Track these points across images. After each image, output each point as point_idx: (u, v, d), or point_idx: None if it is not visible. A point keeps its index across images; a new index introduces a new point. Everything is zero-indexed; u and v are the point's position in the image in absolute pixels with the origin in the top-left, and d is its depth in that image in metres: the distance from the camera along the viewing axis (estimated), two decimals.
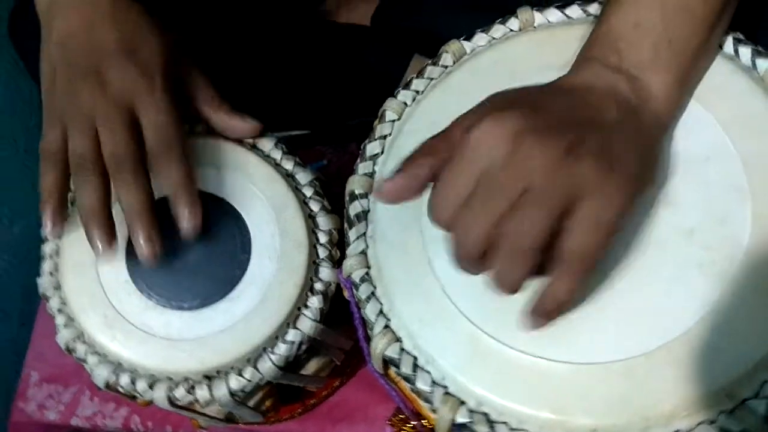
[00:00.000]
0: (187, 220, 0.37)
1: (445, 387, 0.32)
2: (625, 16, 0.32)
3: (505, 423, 0.31)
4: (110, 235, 0.38)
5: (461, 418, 0.31)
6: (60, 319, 0.40)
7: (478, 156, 0.29)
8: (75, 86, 0.39)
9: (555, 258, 0.28)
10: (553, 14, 0.39)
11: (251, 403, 0.45)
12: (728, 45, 0.35)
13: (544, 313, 0.29)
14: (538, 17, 0.39)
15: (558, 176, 0.28)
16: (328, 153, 0.68)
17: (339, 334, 0.44)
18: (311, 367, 0.48)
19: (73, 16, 0.40)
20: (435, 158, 0.30)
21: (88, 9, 0.40)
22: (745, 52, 0.35)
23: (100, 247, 0.37)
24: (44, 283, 0.41)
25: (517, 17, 0.39)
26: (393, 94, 0.40)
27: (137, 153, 0.38)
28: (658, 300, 0.31)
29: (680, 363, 0.29)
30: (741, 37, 0.35)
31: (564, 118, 0.29)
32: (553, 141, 0.28)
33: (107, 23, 0.40)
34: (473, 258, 0.29)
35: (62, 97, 0.39)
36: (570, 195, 0.28)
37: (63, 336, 0.39)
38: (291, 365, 0.40)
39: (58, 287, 0.40)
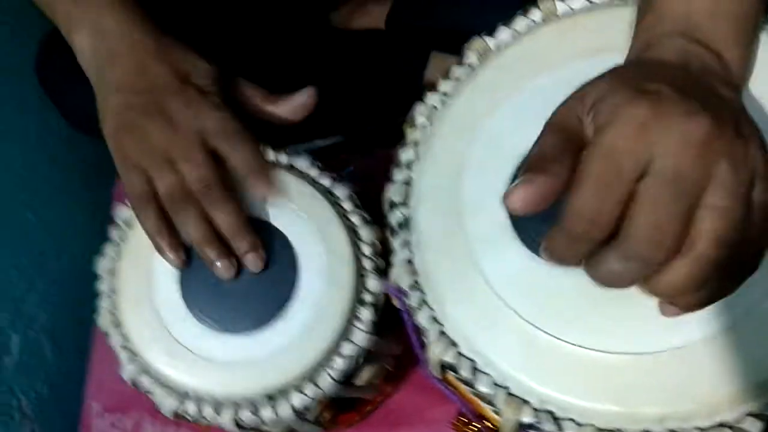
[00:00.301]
0: (268, 196, 0.41)
1: (507, 388, 0.32)
2: None
3: (571, 419, 0.31)
4: (230, 256, 0.40)
5: (527, 418, 0.31)
6: (124, 355, 0.41)
7: (631, 165, 0.23)
8: (143, 127, 0.40)
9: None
10: (576, 1, 0.38)
11: (311, 417, 0.45)
12: None
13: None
14: (561, 6, 0.38)
15: (742, 167, 0.24)
16: (352, 159, 0.68)
17: (389, 341, 0.44)
18: (365, 375, 0.48)
19: (124, 63, 0.42)
20: (565, 162, 0.25)
21: (136, 53, 0.42)
22: None
23: (222, 269, 0.40)
24: (104, 322, 0.42)
25: (539, 8, 0.39)
26: (414, 95, 0.40)
27: (219, 173, 0.40)
28: None
29: (744, 345, 0.29)
30: None
31: (705, 94, 0.26)
32: (721, 137, 0.24)
33: (156, 62, 0.42)
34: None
35: (133, 142, 0.41)
36: (751, 179, 0.24)
37: (128, 371, 0.40)
38: (347, 378, 0.40)
39: (118, 324, 0.41)
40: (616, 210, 0.23)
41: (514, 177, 0.34)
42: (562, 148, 0.25)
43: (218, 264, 0.39)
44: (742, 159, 0.24)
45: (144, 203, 0.40)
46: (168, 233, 0.40)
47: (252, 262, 0.40)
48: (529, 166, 0.25)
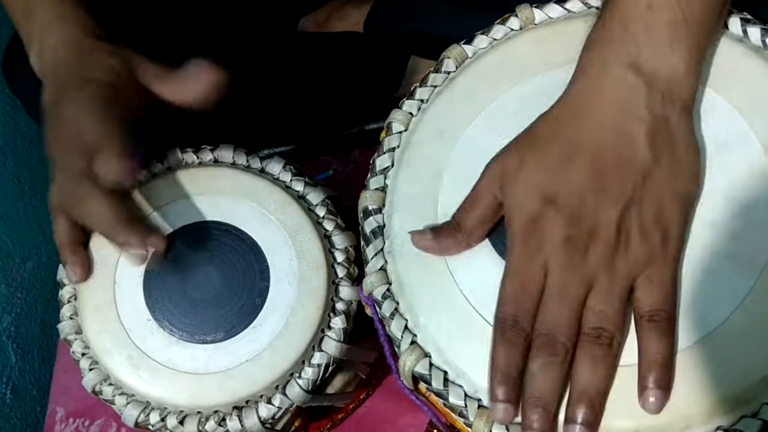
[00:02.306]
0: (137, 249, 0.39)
1: (479, 400, 0.31)
2: None
3: None
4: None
5: (497, 431, 0.31)
6: (84, 363, 0.40)
7: (529, 291, 0.30)
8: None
9: (642, 328, 0.29)
10: (554, 10, 0.38)
11: (280, 426, 0.44)
12: (735, 26, 0.34)
13: (666, 384, 0.29)
14: (539, 14, 0.38)
15: (615, 281, 0.30)
16: (332, 163, 0.68)
17: (363, 349, 0.44)
18: (337, 383, 0.47)
19: (50, 81, 0.42)
20: (475, 234, 0.33)
21: (61, 66, 0.42)
22: (754, 31, 0.34)
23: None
24: (65, 328, 0.41)
25: (516, 16, 0.38)
26: (393, 99, 0.40)
27: (117, 211, 0.39)
28: (692, 294, 0.30)
29: (718, 357, 0.29)
30: (748, 16, 0.35)
31: (598, 183, 0.30)
32: (598, 249, 0.30)
33: (71, 74, 0.41)
34: (552, 402, 0.29)
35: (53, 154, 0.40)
36: (628, 286, 0.30)
37: (89, 380, 0.39)
38: (318, 386, 0.40)
39: (79, 331, 0.40)
40: (529, 312, 0.30)
41: None
42: (478, 221, 0.33)
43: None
44: (620, 267, 0.30)
45: (52, 212, 0.41)
46: (72, 249, 0.40)
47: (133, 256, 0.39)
48: (444, 227, 0.34)
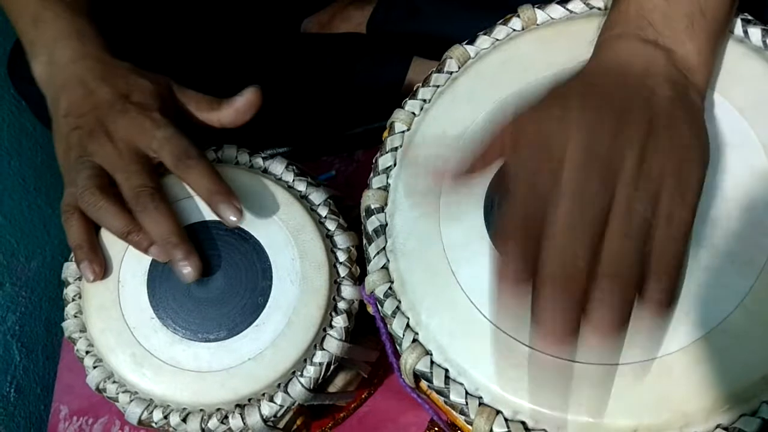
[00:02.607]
0: (232, 218, 0.38)
1: (480, 398, 0.32)
2: None
3: (543, 430, 0.30)
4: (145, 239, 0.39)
5: (498, 428, 0.31)
6: (88, 361, 0.40)
7: (550, 154, 0.27)
8: (85, 145, 0.40)
9: (649, 261, 0.27)
10: (556, 10, 0.38)
11: (282, 424, 0.45)
12: (737, 27, 0.35)
13: (671, 298, 0.27)
14: (541, 14, 0.38)
15: (644, 171, 0.27)
16: (335, 163, 0.68)
17: (364, 348, 0.44)
18: (339, 382, 0.47)
19: (72, 91, 0.42)
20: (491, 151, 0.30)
21: (83, 79, 0.42)
22: (755, 32, 0.34)
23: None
24: (70, 326, 0.41)
25: (519, 16, 0.39)
26: (396, 99, 0.40)
27: (153, 183, 0.39)
28: (691, 293, 0.30)
29: (718, 356, 0.29)
30: (749, 17, 0.35)
31: (626, 99, 0.29)
32: (628, 131, 0.27)
33: (101, 84, 0.42)
34: (578, 274, 0.26)
35: (74, 158, 0.41)
36: (656, 186, 0.27)
37: (93, 377, 0.39)
38: (320, 385, 0.40)
39: (83, 329, 0.41)
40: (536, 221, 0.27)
41: (491, 184, 0.34)
42: (492, 148, 0.30)
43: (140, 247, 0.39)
44: (650, 159, 0.27)
45: (66, 214, 0.40)
46: (87, 248, 0.40)
47: (184, 272, 0.38)
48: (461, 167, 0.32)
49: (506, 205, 0.27)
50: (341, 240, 0.41)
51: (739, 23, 0.34)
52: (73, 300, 0.42)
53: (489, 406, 0.31)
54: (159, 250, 0.38)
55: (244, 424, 0.38)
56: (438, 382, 0.32)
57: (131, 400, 0.39)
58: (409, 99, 0.39)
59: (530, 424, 0.31)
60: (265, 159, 0.44)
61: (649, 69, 0.30)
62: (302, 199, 0.42)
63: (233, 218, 0.38)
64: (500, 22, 0.39)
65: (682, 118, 0.29)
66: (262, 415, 0.38)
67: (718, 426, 0.28)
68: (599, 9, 0.37)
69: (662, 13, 0.31)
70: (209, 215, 0.41)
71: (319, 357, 0.39)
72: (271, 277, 0.39)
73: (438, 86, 0.39)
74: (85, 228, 0.40)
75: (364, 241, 0.37)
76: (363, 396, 0.54)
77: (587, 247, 0.25)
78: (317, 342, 0.39)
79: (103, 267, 0.40)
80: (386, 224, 0.37)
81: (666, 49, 0.31)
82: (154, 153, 0.40)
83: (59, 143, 0.42)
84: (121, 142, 0.40)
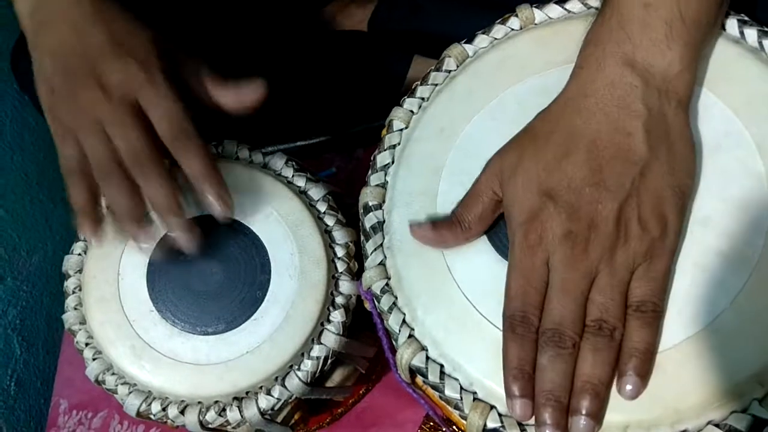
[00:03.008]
0: (218, 206, 0.37)
1: (474, 393, 0.32)
2: None
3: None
4: (147, 232, 0.38)
5: (492, 423, 0.31)
6: (88, 353, 0.40)
7: (534, 284, 0.31)
8: (76, 94, 0.38)
9: (629, 316, 0.30)
10: (554, 10, 0.38)
11: (280, 418, 0.45)
12: (732, 27, 0.35)
13: (644, 373, 0.29)
14: (539, 14, 0.39)
15: (615, 275, 0.30)
16: (335, 160, 0.68)
17: (362, 343, 0.44)
18: (336, 377, 0.48)
19: (59, 26, 0.39)
20: (474, 230, 0.34)
21: (73, 15, 0.39)
22: (751, 33, 0.34)
23: (140, 242, 0.38)
24: (70, 318, 0.42)
25: (517, 16, 0.39)
26: (396, 97, 0.40)
27: (152, 145, 0.37)
28: (683, 291, 0.31)
29: (709, 353, 0.29)
30: (745, 18, 0.35)
31: (595, 178, 0.31)
32: (598, 242, 0.30)
33: (95, 25, 0.39)
34: (563, 396, 0.30)
35: (65, 107, 0.38)
36: (628, 278, 0.30)
37: (92, 369, 0.40)
38: (317, 379, 0.40)
39: (83, 322, 0.41)
40: (536, 307, 0.31)
41: None
42: (477, 217, 0.33)
43: (139, 239, 0.37)
44: (619, 260, 0.30)
45: (71, 174, 0.38)
46: (91, 211, 0.38)
47: (184, 242, 0.37)
48: (444, 221, 0.34)
49: (505, 347, 0.31)
50: (340, 235, 0.41)
51: (735, 24, 0.35)
52: (74, 292, 0.42)
53: (483, 401, 0.32)
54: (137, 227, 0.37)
55: (242, 416, 0.38)
56: (433, 377, 0.33)
57: (130, 392, 0.39)
58: (408, 97, 0.39)
59: None
60: (265, 155, 0.44)
61: (625, 101, 0.31)
62: (301, 194, 0.42)
63: (220, 210, 0.37)
64: (498, 21, 0.39)
65: (655, 173, 0.31)
66: (259, 408, 0.38)
67: (709, 422, 0.29)
68: (597, 9, 0.38)
69: (640, 22, 0.31)
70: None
71: (317, 351, 0.39)
72: (270, 271, 0.40)
73: (436, 84, 0.39)
74: (90, 188, 0.38)
75: (362, 237, 0.37)
76: (360, 392, 0.54)
77: (565, 379, 0.30)
78: (315, 336, 0.39)
79: (101, 232, 0.38)
80: (384, 221, 0.37)
81: (644, 71, 0.31)
82: (150, 116, 0.38)
83: (42, 84, 0.39)
84: (119, 97, 0.38)
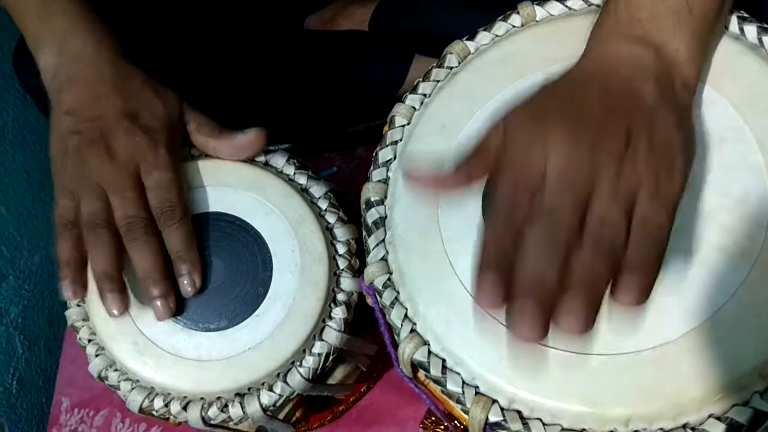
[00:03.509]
0: (186, 286, 0.39)
1: (476, 387, 0.32)
2: None
3: (538, 419, 0.31)
4: (123, 298, 0.39)
5: (494, 417, 0.31)
6: (91, 349, 0.40)
7: (529, 176, 0.27)
8: (83, 155, 0.40)
9: (632, 233, 0.27)
10: (555, 7, 0.39)
11: (282, 415, 0.45)
12: (733, 24, 0.35)
13: (646, 283, 0.26)
14: (540, 11, 0.39)
15: (620, 184, 0.27)
16: (336, 159, 0.69)
17: (364, 340, 0.44)
18: (338, 375, 0.48)
19: (80, 87, 0.42)
20: (479, 165, 0.30)
21: (93, 81, 0.42)
22: (751, 29, 0.34)
23: (114, 311, 0.39)
24: (72, 314, 0.42)
25: (518, 13, 0.39)
26: (397, 97, 0.40)
27: (146, 214, 0.40)
28: (684, 285, 0.31)
29: (710, 346, 0.29)
30: (745, 15, 0.35)
31: (607, 111, 0.29)
32: (605, 145, 0.28)
33: (113, 92, 0.41)
34: (547, 289, 0.25)
35: (72, 166, 0.40)
36: (632, 195, 0.27)
37: (95, 365, 0.40)
38: (319, 376, 0.40)
39: (86, 318, 0.41)
40: (527, 198, 0.27)
41: (489, 176, 0.34)
42: (481, 160, 0.30)
43: (108, 299, 0.38)
44: (626, 172, 0.28)
45: (64, 226, 0.40)
46: (75, 267, 0.39)
47: (159, 308, 0.39)
48: (447, 174, 0.31)
49: (485, 232, 0.27)
50: (341, 232, 0.41)
51: (735, 20, 0.35)
52: None
53: (485, 395, 0.32)
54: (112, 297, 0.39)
55: (244, 412, 0.38)
56: (435, 371, 0.33)
57: (132, 388, 0.39)
58: (410, 93, 0.40)
59: (525, 413, 0.31)
60: (266, 152, 0.44)
61: (635, 68, 0.31)
62: (303, 191, 0.42)
63: (188, 289, 0.39)
64: (500, 18, 0.40)
65: (663, 120, 0.30)
66: (261, 404, 0.38)
67: (710, 416, 0.29)
68: (598, 6, 0.38)
69: (649, 11, 0.32)
70: (212, 207, 0.42)
71: (318, 348, 0.39)
72: (272, 268, 0.40)
73: (438, 81, 0.39)
74: (79, 245, 0.40)
75: (364, 233, 0.38)
76: (362, 389, 0.54)
77: (557, 266, 0.26)
78: (316, 333, 0.39)
79: (86, 289, 0.40)
80: (386, 216, 0.37)
81: (654, 46, 0.31)
82: (145, 186, 0.40)
83: (56, 140, 0.42)
84: (121, 163, 0.40)
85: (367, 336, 0.44)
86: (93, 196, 0.39)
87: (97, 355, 0.40)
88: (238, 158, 0.43)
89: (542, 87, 0.32)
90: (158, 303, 0.38)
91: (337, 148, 0.69)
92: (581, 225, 0.27)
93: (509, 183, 0.28)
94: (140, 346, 0.39)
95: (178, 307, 0.40)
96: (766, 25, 0.35)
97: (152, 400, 0.39)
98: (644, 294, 0.26)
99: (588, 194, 0.27)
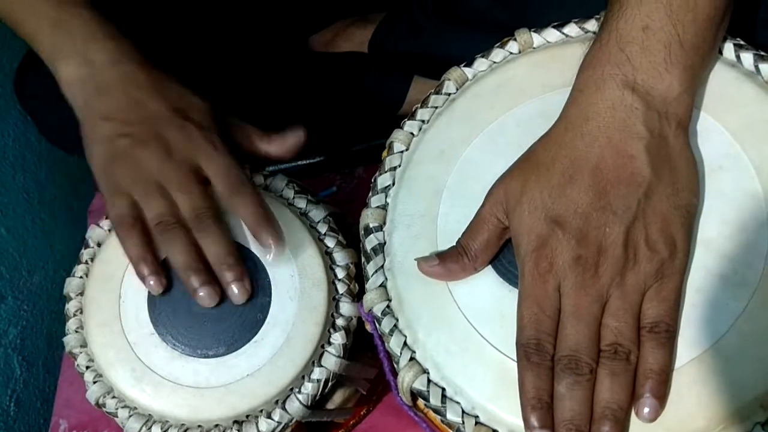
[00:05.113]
0: (275, 250, 0.39)
1: (476, 417, 0.32)
2: (632, 20, 0.32)
3: None
4: (213, 284, 0.39)
5: None
6: (89, 376, 0.40)
7: (546, 313, 0.31)
8: (137, 155, 0.40)
9: (643, 338, 0.30)
10: (552, 34, 0.39)
11: None
12: (729, 51, 0.35)
13: (661, 394, 0.29)
14: (537, 38, 0.39)
15: (627, 299, 0.30)
16: (336, 179, 0.69)
17: (363, 365, 0.44)
18: (337, 398, 0.47)
19: (115, 94, 0.41)
20: (480, 258, 0.34)
21: (129, 86, 0.42)
22: (747, 57, 0.35)
23: (206, 296, 0.38)
24: (71, 341, 0.42)
25: (515, 40, 0.39)
26: (397, 118, 0.40)
27: (214, 204, 0.40)
28: (685, 314, 0.31)
29: (712, 376, 0.29)
30: (741, 42, 0.35)
31: (603, 217, 0.31)
32: (608, 267, 0.30)
33: (153, 95, 0.42)
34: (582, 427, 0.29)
35: (123, 168, 0.40)
36: (639, 301, 0.30)
37: (93, 392, 0.40)
38: (318, 402, 0.40)
39: (84, 345, 0.41)
40: (550, 335, 0.31)
41: None
42: (484, 245, 0.33)
43: (201, 293, 0.38)
44: (630, 282, 0.30)
45: (128, 228, 0.39)
46: (152, 260, 0.39)
47: (236, 293, 0.39)
48: (450, 253, 0.34)
49: (521, 377, 0.31)
50: (340, 257, 0.41)
51: (731, 48, 0.35)
52: (75, 315, 0.42)
53: (485, 425, 0.31)
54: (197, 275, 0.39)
55: None
56: (435, 400, 0.32)
57: (130, 416, 0.39)
58: (408, 119, 0.40)
59: None
60: (266, 176, 0.44)
61: (626, 125, 0.31)
62: (302, 216, 0.42)
63: (271, 242, 0.39)
64: (497, 45, 0.40)
65: (659, 197, 0.31)
66: None
67: None
68: (594, 33, 0.38)
69: (640, 45, 0.32)
70: None
71: (317, 374, 0.39)
72: (271, 293, 0.40)
73: (436, 107, 0.40)
74: (146, 241, 0.39)
75: (363, 259, 0.38)
76: (362, 413, 0.54)
77: (585, 406, 0.30)
78: (315, 359, 0.39)
79: (163, 277, 0.40)
80: (384, 243, 0.37)
81: (644, 92, 0.31)
82: (210, 174, 0.40)
83: (97, 145, 0.41)
84: (181, 159, 0.40)
85: (366, 360, 0.44)
86: (156, 195, 0.39)
87: (95, 382, 0.40)
88: (290, 156, 0.44)
89: (533, 152, 0.33)
90: (234, 287, 0.38)
91: (336, 168, 0.69)
92: (597, 349, 0.30)
93: (532, 322, 0.31)
94: (138, 372, 0.39)
95: (175, 334, 0.40)
96: (762, 53, 0.35)
97: (150, 428, 0.39)
98: (664, 400, 0.29)
99: (600, 314, 0.30)
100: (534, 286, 0.31)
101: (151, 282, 0.39)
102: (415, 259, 0.35)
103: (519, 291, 0.32)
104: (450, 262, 0.34)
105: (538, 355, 0.30)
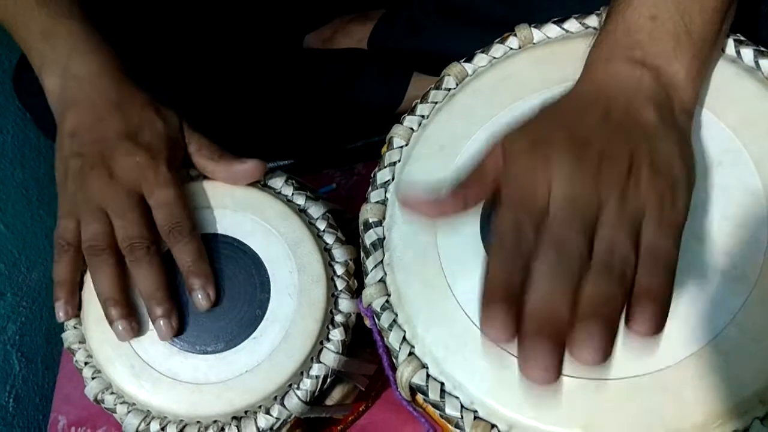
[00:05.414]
0: (201, 300, 0.39)
1: (475, 411, 0.32)
2: (639, 10, 0.32)
3: None
4: (130, 318, 0.39)
5: None
6: (87, 372, 0.40)
7: (533, 202, 0.27)
8: (85, 176, 0.40)
9: (641, 261, 0.26)
10: (552, 30, 0.39)
11: None
12: (730, 47, 0.35)
13: (659, 313, 0.25)
14: (537, 34, 0.39)
15: (625, 210, 0.27)
16: (336, 176, 0.69)
17: (362, 361, 0.44)
18: (336, 395, 0.47)
19: (83, 110, 0.42)
20: (477, 190, 0.30)
21: (96, 103, 0.42)
22: (747, 53, 0.35)
23: (122, 330, 0.39)
24: (69, 337, 0.42)
25: (515, 35, 0.39)
26: (396, 114, 0.40)
27: (149, 234, 0.39)
28: (683, 309, 0.31)
29: (710, 371, 0.29)
30: (742, 38, 0.35)
31: (609, 136, 0.29)
32: (609, 170, 0.27)
33: (115, 113, 0.41)
34: (559, 323, 0.24)
35: (73, 188, 0.40)
36: (638, 222, 0.27)
37: (91, 388, 0.40)
38: (316, 398, 0.40)
39: (83, 340, 0.41)
40: (532, 223, 0.26)
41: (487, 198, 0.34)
42: (477, 176, 0.30)
43: (119, 326, 0.39)
44: (631, 197, 0.27)
45: (61, 249, 0.40)
46: (68, 288, 0.40)
47: (162, 329, 0.39)
48: (446, 192, 0.30)
49: (489, 261, 0.26)
50: (339, 253, 0.41)
51: (731, 43, 0.35)
52: None
53: (484, 420, 0.31)
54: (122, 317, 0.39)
55: None
56: (433, 395, 0.32)
57: (129, 411, 0.39)
58: (408, 115, 0.40)
59: None
60: (264, 173, 0.44)
61: (634, 92, 0.31)
62: (301, 212, 0.42)
63: (203, 303, 0.39)
64: (497, 40, 0.40)
65: (664, 145, 0.29)
66: (258, 428, 0.38)
67: None
68: (595, 28, 0.38)
69: (648, 33, 0.31)
70: (210, 228, 0.42)
71: (316, 370, 0.39)
72: (270, 289, 0.40)
73: (436, 103, 0.39)
74: (75, 267, 0.40)
75: (362, 254, 0.38)
76: (360, 409, 0.54)
77: (569, 299, 0.25)
78: (314, 355, 0.39)
79: (77, 310, 0.41)
80: (384, 238, 0.37)
81: (654, 68, 0.31)
82: (150, 205, 0.40)
83: (59, 162, 0.42)
84: (122, 184, 0.40)
85: (365, 356, 0.44)
86: (94, 219, 0.39)
87: (93, 378, 0.40)
88: (234, 184, 0.43)
89: (541, 110, 0.31)
90: (161, 323, 0.38)
91: (336, 164, 0.69)
92: (589, 253, 0.26)
93: (513, 210, 0.27)
94: (137, 369, 0.39)
95: (179, 328, 0.40)
96: (762, 49, 0.35)
97: (148, 424, 0.39)
98: (660, 323, 0.25)
99: (594, 220, 0.26)
100: (521, 174, 0.27)
101: (60, 312, 0.40)
102: (397, 194, 0.32)
103: (503, 181, 0.28)
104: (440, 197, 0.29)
105: (514, 237, 0.26)
